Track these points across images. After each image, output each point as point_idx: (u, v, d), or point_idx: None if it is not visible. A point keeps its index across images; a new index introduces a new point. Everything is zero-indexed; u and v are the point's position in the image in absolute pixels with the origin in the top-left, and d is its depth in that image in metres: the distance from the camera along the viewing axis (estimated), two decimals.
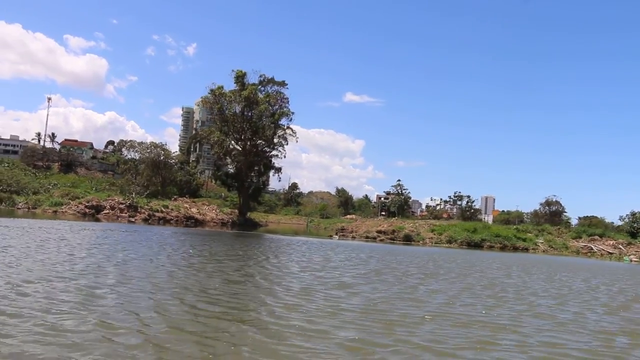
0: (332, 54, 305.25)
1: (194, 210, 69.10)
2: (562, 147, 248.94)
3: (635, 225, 77.30)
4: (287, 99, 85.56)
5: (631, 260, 53.08)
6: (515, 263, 34.58)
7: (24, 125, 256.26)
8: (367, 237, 60.75)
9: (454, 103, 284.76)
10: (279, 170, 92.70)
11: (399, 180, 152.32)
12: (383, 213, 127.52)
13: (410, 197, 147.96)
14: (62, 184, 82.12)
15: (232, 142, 74.37)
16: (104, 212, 60.79)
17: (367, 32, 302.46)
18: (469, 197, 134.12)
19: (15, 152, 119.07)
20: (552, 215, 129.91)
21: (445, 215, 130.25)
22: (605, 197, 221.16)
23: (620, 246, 62.89)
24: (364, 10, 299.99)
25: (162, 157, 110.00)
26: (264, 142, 76.92)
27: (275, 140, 79.55)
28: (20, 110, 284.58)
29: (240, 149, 74.23)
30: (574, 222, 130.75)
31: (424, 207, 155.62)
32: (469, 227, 63.42)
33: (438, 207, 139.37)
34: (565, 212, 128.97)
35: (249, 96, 72.10)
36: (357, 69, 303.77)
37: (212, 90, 72.63)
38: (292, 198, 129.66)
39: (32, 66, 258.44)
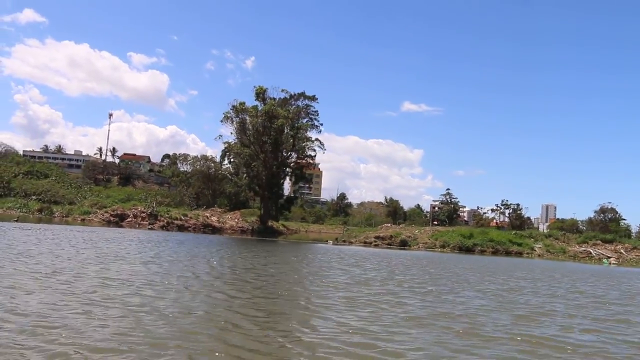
0: (390, 62, 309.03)
1: (213, 218, 74.08)
2: (622, 153, 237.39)
3: None
4: (317, 112, 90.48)
5: (610, 263, 53.20)
6: (479, 265, 36.86)
7: (90, 140, 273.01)
8: (365, 243, 63.48)
9: (511, 112, 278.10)
10: (309, 180, 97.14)
11: (448, 189, 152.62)
12: (435, 222, 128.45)
13: (461, 206, 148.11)
14: (101, 195, 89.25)
15: (254, 154, 78.72)
16: (128, 219, 66.86)
17: (424, 38, 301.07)
18: (517, 205, 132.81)
19: (78, 167, 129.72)
20: (608, 222, 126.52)
21: (493, 224, 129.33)
22: None
23: (622, 250, 62.31)
24: (422, 16, 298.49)
25: (212, 170, 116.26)
26: (285, 154, 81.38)
27: (296, 153, 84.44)
28: (87, 126, 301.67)
29: (262, 160, 78.52)
30: (634, 229, 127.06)
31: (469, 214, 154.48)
32: (465, 232, 64.80)
33: (485, 216, 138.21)
34: (624, 219, 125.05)
35: (268, 111, 76.42)
36: (415, 78, 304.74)
37: (233, 106, 77.55)
38: (341, 208, 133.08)
39: (98, 83, 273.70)
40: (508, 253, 59.34)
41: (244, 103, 77.72)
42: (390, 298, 14.75)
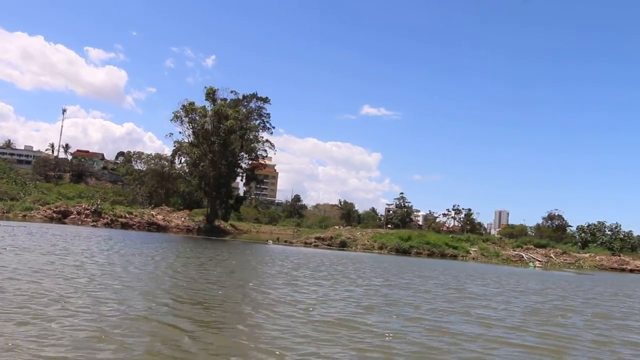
0: (351, 66, 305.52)
1: (159, 217, 74.20)
2: (569, 163, 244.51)
3: (583, 236, 78.85)
4: (269, 113, 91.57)
5: (535, 266, 55.28)
6: (394, 264, 38.04)
7: (43, 135, 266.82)
8: (305, 243, 64.45)
9: (467, 120, 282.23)
10: (260, 181, 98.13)
11: (402, 193, 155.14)
12: (389, 226, 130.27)
13: (415, 210, 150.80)
14: (50, 192, 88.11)
15: (203, 154, 79.08)
16: (71, 216, 66.55)
17: (385, 43, 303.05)
18: (469, 210, 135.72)
19: (28, 162, 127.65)
20: (556, 229, 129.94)
21: (444, 228, 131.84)
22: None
23: (552, 255, 64.71)
24: (383, 22, 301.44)
25: (166, 169, 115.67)
26: (234, 155, 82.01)
27: (247, 154, 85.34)
28: (40, 121, 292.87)
29: (210, 160, 78.89)
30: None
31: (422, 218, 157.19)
32: (404, 235, 66.27)
33: (437, 220, 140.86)
34: (570, 225, 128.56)
35: (218, 111, 76.91)
36: (375, 82, 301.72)
37: (183, 105, 77.76)
38: (295, 210, 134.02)
39: (52, 77, 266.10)
40: (443, 255, 60.94)
41: (194, 103, 77.93)
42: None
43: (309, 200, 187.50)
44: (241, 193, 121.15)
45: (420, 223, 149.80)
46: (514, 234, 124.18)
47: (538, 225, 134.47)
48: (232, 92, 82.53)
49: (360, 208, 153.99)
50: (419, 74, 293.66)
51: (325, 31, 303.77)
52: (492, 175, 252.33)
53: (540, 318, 14.37)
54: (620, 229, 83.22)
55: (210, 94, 79.27)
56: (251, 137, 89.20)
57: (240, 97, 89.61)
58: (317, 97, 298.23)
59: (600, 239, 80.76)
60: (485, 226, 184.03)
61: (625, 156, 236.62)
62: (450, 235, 75.21)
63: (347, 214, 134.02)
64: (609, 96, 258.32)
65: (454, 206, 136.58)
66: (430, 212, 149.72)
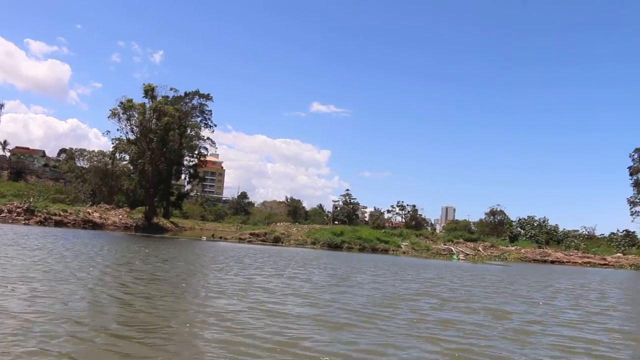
0: (300, 63, 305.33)
1: (95, 214, 73.74)
2: (510, 161, 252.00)
3: (513, 230, 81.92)
4: (211, 111, 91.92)
5: (459, 259, 57.29)
6: (311, 256, 39.10)
7: None
8: (240, 239, 65.25)
9: (415, 119, 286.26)
10: (202, 179, 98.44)
11: (347, 190, 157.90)
12: (336, 222, 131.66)
13: (362, 206, 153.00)
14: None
15: (141, 151, 78.83)
16: (2, 214, 65.60)
17: (335, 40, 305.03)
18: (413, 206, 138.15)
19: None
20: (498, 224, 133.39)
21: (389, 224, 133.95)
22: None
23: (480, 248, 67.01)
24: (333, 19, 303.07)
25: (109, 166, 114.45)
26: (173, 152, 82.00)
27: (187, 151, 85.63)
28: None
29: (148, 157, 78.66)
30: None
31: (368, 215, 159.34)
32: (337, 230, 67.83)
33: (382, 216, 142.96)
34: (512, 220, 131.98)
35: (156, 108, 76.81)
36: (325, 79, 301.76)
37: (121, 102, 77.29)
38: (242, 207, 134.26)
39: None
40: (375, 250, 62.50)
41: (132, 100, 77.51)
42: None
43: (257, 197, 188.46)
44: (191, 190, 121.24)
45: (367, 219, 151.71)
46: (458, 228, 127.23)
47: (481, 220, 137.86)
48: (171, 89, 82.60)
49: (310, 205, 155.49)
50: (368, 72, 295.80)
51: (275, 28, 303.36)
52: (440, 172, 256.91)
53: (384, 301, 15.48)
54: (547, 223, 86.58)
55: (149, 91, 79.05)
56: (192, 134, 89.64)
57: (182, 94, 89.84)
58: (267, 94, 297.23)
59: (529, 233, 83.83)
60: (432, 222, 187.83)
61: (558, 156, 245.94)
62: (383, 231, 76.85)
63: (293, 210, 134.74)
64: (547, 98, 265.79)
65: (398, 202, 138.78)
66: (375, 209, 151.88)
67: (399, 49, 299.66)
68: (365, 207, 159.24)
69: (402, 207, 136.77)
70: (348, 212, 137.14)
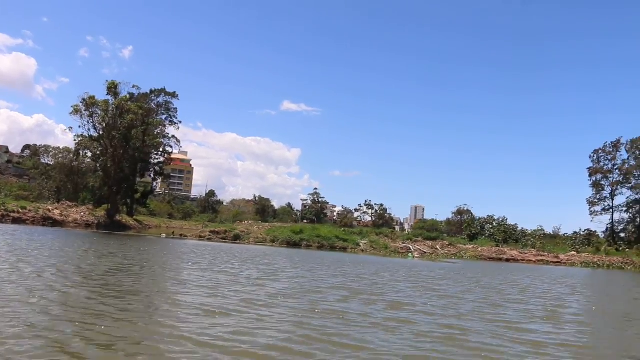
0: (271, 62, 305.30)
1: (56, 212, 73.31)
2: (478, 162, 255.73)
3: (472, 230, 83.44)
4: (176, 108, 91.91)
5: (414, 257, 58.28)
6: (259, 253, 39.60)
7: None
8: (200, 237, 65.50)
9: (383, 119, 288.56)
10: (167, 177, 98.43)
11: (315, 188, 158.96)
12: (305, 221, 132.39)
13: (332, 205, 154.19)
14: None
15: (104, 148, 78.64)
16: None
17: (306, 39, 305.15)
18: (381, 205, 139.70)
19: None
20: (464, 223, 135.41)
21: (357, 223, 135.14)
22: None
23: (438, 247, 68.16)
24: (304, 18, 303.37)
25: (74, 163, 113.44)
26: (137, 150, 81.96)
27: (153, 149, 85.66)
28: None
29: (111, 155, 78.46)
30: None
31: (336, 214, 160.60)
32: (296, 228, 68.38)
33: (349, 215, 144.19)
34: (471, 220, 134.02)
35: (119, 105, 76.62)
36: (295, 78, 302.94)
37: (83, 99, 76.91)
38: (210, 205, 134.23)
39: None
40: (333, 248, 63.12)
41: (94, 97, 77.19)
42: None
43: (227, 196, 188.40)
44: (157, 188, 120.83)
45: (336, 218, 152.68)
46: (426, 227, 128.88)
47: (448, 219, 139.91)
48: (134, 86, 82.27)
49: (280, 204, 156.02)
50: (339, 71, 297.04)
51: (246, 27, 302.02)
52: (410, 171, 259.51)
53: (292, 292, 16.12)
54: (506, 222, 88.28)
55: (112, 88, 78.80)
56: (157, 132, 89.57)
57: (148, 92, 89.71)
58: (238, 92, 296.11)
59: (489, 232, 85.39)
60: (401, 221, 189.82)
61: (527, 158, 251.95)
62: (343, 229, 77.80)
63: (262, 209, 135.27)
64: (508, 102, 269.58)
65: (366, 201, 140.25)
66: (343, 207, 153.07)
67: (371, 50, 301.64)
68: (335, 206, 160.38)
69: (370, 206, 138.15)
70: (316, 211, 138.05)
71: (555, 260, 65.24)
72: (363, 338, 9.83)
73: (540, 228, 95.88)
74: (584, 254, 72.06)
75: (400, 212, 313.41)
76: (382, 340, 9.88)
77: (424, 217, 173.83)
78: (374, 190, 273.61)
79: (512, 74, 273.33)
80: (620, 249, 78.81)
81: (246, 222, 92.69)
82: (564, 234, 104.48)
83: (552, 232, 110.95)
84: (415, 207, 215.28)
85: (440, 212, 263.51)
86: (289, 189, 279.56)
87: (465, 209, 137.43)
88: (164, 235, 65.63)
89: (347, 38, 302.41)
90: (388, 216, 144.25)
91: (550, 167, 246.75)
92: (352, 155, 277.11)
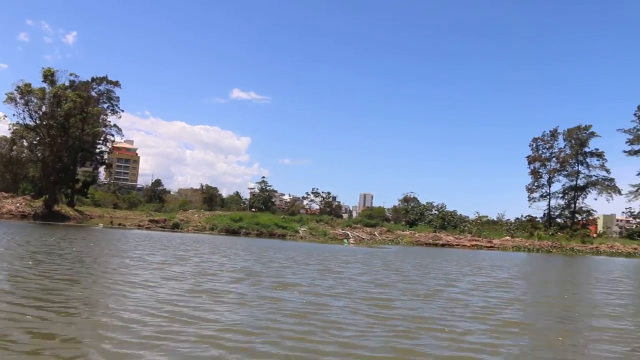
0: (220, 50, 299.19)
1: None
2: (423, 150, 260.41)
3: (411, 216, 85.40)
4: (118, 97, 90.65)
5: (349, 243, 59.41)
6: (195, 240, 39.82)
7: None
8: (138, 226, 65.23)
9: (334, 109, 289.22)
10: (109, 166, 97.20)
11: (263, 177, 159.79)
12: (253, 209, 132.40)
13: (280, 194, 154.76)
14: None
15: (42, 138, 77.07)
16: None
17: (256, 27, 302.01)
18: (328, 193, 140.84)
19: None
20: (410, 209, 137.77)
21: (303, 211, 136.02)
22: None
23: (376, 233, 69.53)
24: (254, 6, 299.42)
25: (13, 153, 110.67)
26: (77, 139, 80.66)
27: (92, 138, 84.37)
28: None
29: (48, 144, 76.97)
30: None
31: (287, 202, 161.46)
32: (236, 216, 68.97)
33: (297, 203, 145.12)
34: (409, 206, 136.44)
35: (56, 93, 75.11)
36: (245, 66, 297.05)
37: (18, 86, 75.13)
38: (156, 194, 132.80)
39: None
40: (272, 235, 63.77)
41: (30, 84, 75.50)
42: None
43: (176, 185, 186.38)
44: (101, 178, 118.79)
45: (284, 207, 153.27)
46: (373, 215, 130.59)
47: (395, 206, 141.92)
48: (71, 74, 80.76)
49: (229, 192, 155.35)
50: (289, 60, 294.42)
51: (195, 13, 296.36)
52: (359, 160, 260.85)
53: (183, 276, 16.65)
54: (445, 209, 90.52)
55: (48, 76, 77.11)
56: (99, 120, 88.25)
57: (89, 80, 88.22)
58: (186, 80, 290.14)
59: (428, 218, 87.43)
60: (350, 209, 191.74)
61: (467, 147, 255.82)
62: (282, 217, 78.48)
63: (209, 198, 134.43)
64: (456, 93, 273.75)
65: (313, 189, 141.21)
66: (290, 195, 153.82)
67: (322, 39, 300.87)
68: (283, 194, 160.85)
69: (317, 194, 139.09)
70: (264, 199, 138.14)
71: (489, 244, 67.38)
72: (218, 315, 10.46)
73: (477, 214, 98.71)
74: (517, 239, 74.62)
75: (350, 200, 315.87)
76: (235, 315, 10.57)
77: (373, 205, 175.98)
78: (324, 178, 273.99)
79: (458, 66, 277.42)
80: (551, 233, 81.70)
81: (191, 211, 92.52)
82: (506, 220, 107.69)
83: (495, 219, 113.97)
84: (364, 195, 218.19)
85: (388, 199, 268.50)
86: (239, 178, 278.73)
87: (412, 196, 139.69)
88: (101, 225, 65.08)
89: (297, 27, 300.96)
90: (336, 204, 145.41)
91: (497, 156, 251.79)
92: (303, 144, 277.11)
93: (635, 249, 70.69)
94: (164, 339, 8.16)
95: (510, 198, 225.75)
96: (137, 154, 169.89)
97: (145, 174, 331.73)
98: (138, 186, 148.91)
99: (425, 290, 17.11)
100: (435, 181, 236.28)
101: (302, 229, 67.68)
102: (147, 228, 63.43)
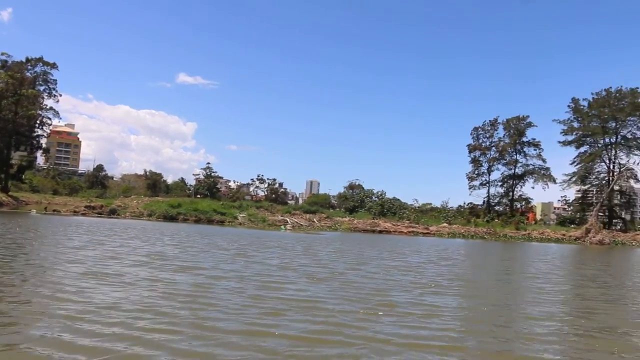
0: (166, 33, 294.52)
1: None
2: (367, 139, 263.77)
3: (351, 203, 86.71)
4: (55, 80, 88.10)
5: (286, 229, 59.92)
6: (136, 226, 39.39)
7: None
8: (74, 212, 64.15)
9: (280, 95, 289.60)
10: (46, 150, 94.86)
11: (208, 163, 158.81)
12: (199, 195, 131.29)
13: (227, 180, 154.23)
14: None
15: None
16: None
17: (203, 11, 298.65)
18: (274, 179, 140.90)
19: None
20: (355, 196, 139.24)
21: (248, 197, 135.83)
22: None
23: (315, 220, 70.22)
24: None
25: None
26: (7, 122, 78.45)
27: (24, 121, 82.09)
28: None
29: None
30: None
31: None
32: (174, 202, 68.52)
33: (242, 189, 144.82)
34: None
35: None
36: (191, 50, 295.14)
37: None
38: (98, 180, 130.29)
39: None
40: (210, 221, 63.67)
41: None
42: None
43: (120, 171, 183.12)
44: (40, 163, 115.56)
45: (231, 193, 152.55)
46: (317, 202, 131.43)
47: (339, 193, 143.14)
48: (3, 54, 78.66)
49: (175, 178, 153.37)
50: (237, 45, 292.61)
51: None
52: (307, 147, 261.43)
53: (83, 258, 16.76)
54: (385, 196, 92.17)
55: None
56: (35, 104, 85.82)
57: (24, 60, 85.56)
58: (130, 63, 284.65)
59: (368, 205, 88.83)
60: (297, 195, 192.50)
61: (413, 136, 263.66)
62: (222, 203, 78.51)
63: (153, 184, 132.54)
64: (404, 83, 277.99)
65: (258, 176, 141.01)
66: (234, 182, 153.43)
67: (269, 24, 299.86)
68: (229, 181, 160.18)
69: (262, 181, 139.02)
70: (209, 186, 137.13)
71: (425, 231, 68.82)
72: (93, 295, 10.71)
73: (416, 201, 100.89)
74: (454, 226, 76.44)
75: (297, 187, 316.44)
76: (115, 295, 10.84)
77: (319, 192, 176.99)
78: (272, 165, 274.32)
79: (400, 56, 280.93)
80: (486, 220, 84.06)
81: (132, 197, 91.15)
82: (450, 208, 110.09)
83: (439, 206, 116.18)
84: (311, 182, 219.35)
85: (334, 187, 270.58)
86: (185, 164, 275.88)
87: (357, 183, 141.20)
88: (34, 211, 63.67)
89: (245, 11, 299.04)
90: (282, 191, 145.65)
91: (443, 145, 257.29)
92: (250, 130, 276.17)
93: (564, 235, 73.29)
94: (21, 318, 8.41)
95: (455, 186, 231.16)
96: (78, 139, 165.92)
97: (88, 159, 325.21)
98: (79, 172, 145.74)
99: (326, 273, 17.60)
100: (383, 170, 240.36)
101: (241, 215, 67.76)
102: (84, 214, 62.39)
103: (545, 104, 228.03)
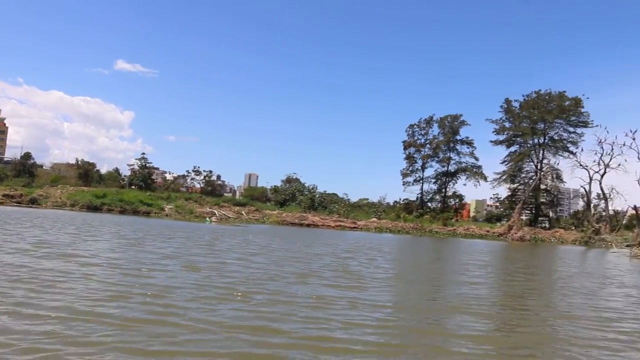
0: (103, 18, 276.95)
1: None
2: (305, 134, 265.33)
3: (281, 196, 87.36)
4: None
5: (211, 221, 59.83)
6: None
7: None
8: None
9: (221, 87, 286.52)
10: None
11: (143, 153, 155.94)
12: (133, 186, 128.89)
13: (163, 171, 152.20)
14: None
15: None
16: None
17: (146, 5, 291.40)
18: (210, 171, 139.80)
19: None
20: (292, 189, 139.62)
21: (184, 189, 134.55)
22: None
23: (244, 212, 70.37)
24: None
25: None
26: None
27: None
28: None
29: None
30: None
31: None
32: (99, 192, 67.60)
33: (177, 181, 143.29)
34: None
35: None
36: (130, 37, 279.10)
37: None
38: (26, 169, 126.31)
39: None
40: (136, 212, 62.90)
41: None
42: None
43: (52, 159, 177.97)
44: None
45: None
46: (254, 195, 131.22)
47: (276, 186, 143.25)
48: None
49: (109, 169, 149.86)
50: (177, 33, 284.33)
51: None
52: (246, 140, 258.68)
53: None
54: (316, 190, 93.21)
55: None
56: None
57: None
58: (65, 47, 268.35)
59: (299, 199, 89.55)
60: (235, 188, 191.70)
61: (351, 133, 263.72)
62: (148, 193, 77.74)
63: (85, 174, 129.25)
64: (345, 80, 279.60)
65: (194, 167, 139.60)
66: (169, 173, 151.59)
67: (211, 14, 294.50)
68: (165, 172, 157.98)
69: (198, 172, 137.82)
70: (144, 177, 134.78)
71: (353, 225, 69.76)
72: None
73: (346, 195, 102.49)
74: (383, 221, 77.82)
75: (235, 179, 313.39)
76: None
77: (258, 185, 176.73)
78: (210, 157, 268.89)
79: (340, 52, 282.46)
80: (415, 215, 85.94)
81: (59, 186, 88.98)
82: (386, 203, 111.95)
83: (376, 202, 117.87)
84: (250, 175, 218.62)
85: (272, 180, 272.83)
86: (121, 154, 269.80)
87: (295, 177, 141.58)
88: None
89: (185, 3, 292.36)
90: (218, 183, 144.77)
91: (382, 142, 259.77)
92: (189, 121, 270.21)
93: (488, 231, 75.68)
94: None
95: (393, 182, 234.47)
96: (5, 124, 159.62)
97: (16, 146, 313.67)
98: (5, 159, 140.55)
99: (210, 263, 17.85)
100: (322, 165, 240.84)
101: (169, 206, 67.13)
102: (1, 203, 60.54)
103: (479, 103, 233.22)
